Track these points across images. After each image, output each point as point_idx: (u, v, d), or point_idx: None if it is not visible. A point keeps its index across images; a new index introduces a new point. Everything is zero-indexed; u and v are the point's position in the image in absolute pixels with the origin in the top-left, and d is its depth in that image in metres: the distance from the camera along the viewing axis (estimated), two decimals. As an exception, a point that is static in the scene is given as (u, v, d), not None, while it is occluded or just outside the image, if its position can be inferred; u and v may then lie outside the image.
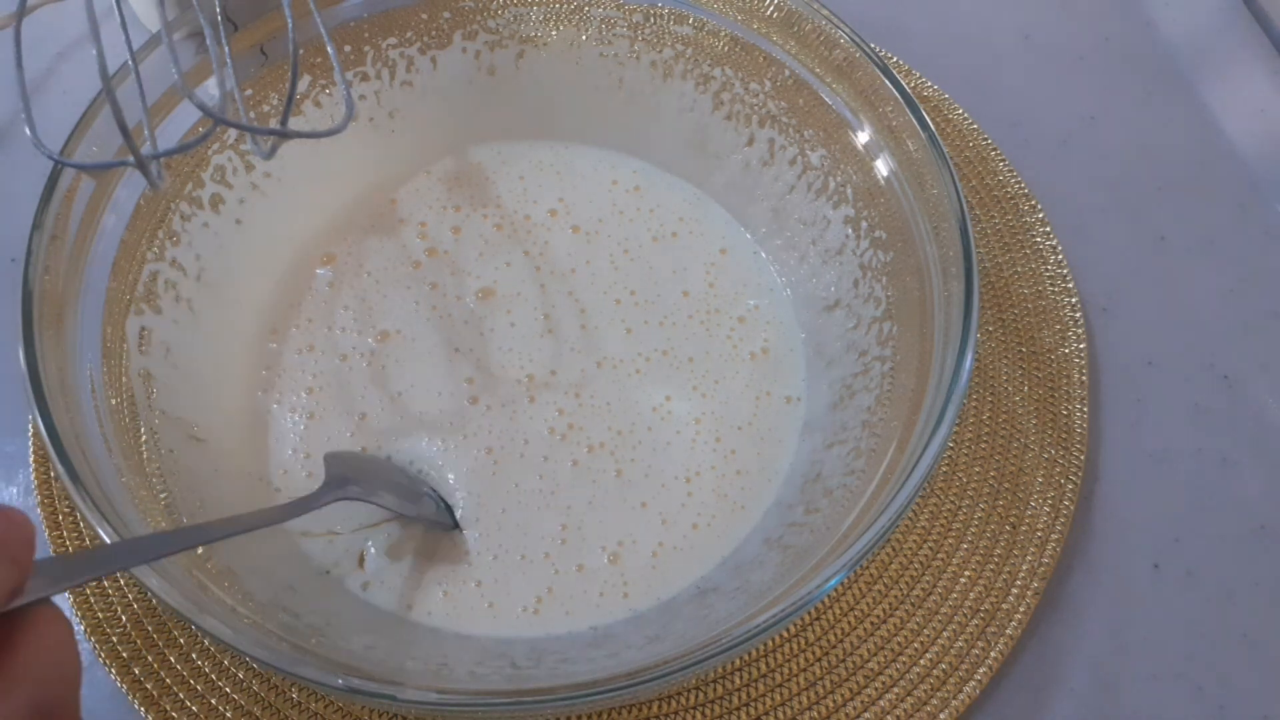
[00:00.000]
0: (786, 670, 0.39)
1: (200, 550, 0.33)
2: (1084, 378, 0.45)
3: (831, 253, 0.43)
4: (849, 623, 0.40)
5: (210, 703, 0.37)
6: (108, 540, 0.29)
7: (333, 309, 0.44)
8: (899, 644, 0.39)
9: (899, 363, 0.38)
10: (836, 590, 0.40)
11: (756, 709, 0.38)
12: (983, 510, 0.42)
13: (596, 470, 0.41)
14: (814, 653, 0.39)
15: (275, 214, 0.44)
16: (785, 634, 0.40)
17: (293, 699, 0.38)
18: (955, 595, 0.40)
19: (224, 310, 0.42)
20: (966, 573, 0.41)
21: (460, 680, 0.34)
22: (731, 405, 0.43)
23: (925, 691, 0.38)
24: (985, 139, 0.51)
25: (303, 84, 0.42)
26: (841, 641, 0.39)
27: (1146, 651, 0.40)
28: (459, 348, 0.44)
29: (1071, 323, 0.46)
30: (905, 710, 0.38)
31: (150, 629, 0.38)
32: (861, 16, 0.42)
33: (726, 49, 0.43)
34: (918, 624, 0.40)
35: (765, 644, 0.39)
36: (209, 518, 0.36)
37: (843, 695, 0.38)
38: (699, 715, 0.38)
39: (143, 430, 0.36)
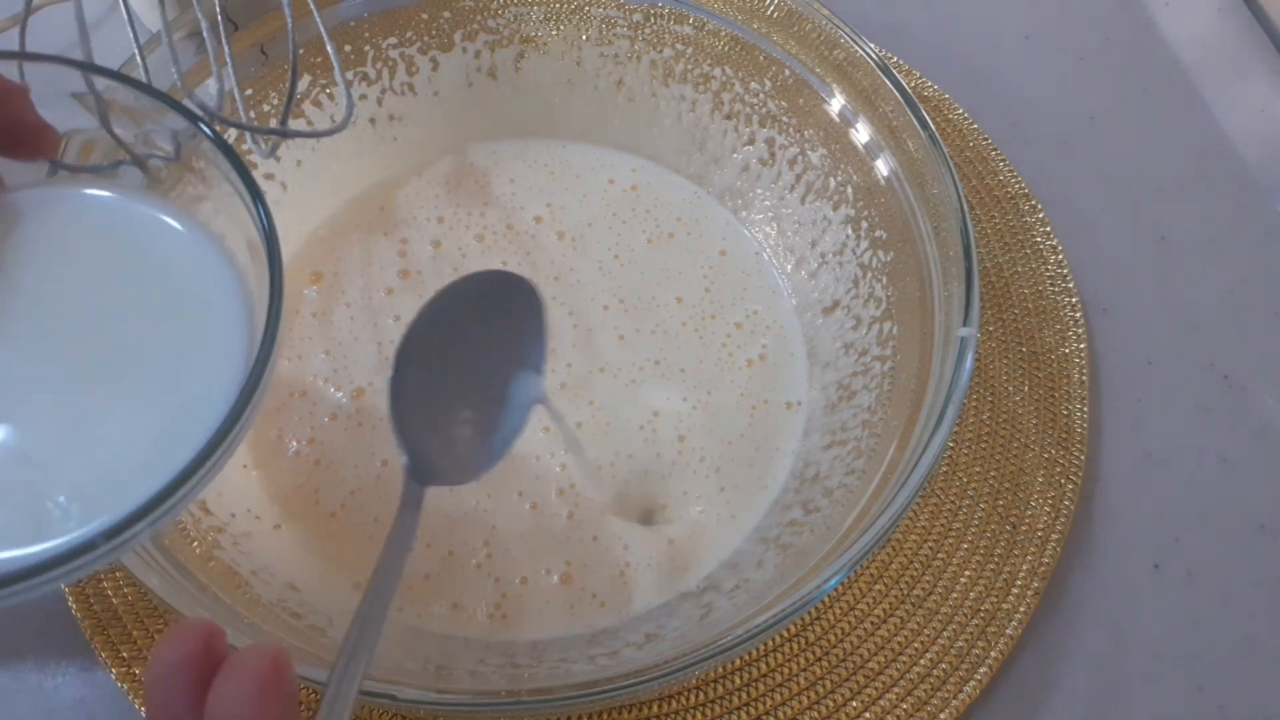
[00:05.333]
0: (786, 670, 0.39)
1: (198, 550, 0.33)
2: (1084, 378, 0.45)
3: (831, 253, 0.43)
4: (849, 623, 0.40)
5: (210, 703, 0.37)
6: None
7: (319, 325, 0.44)
8: (899, 644, 0.39)
9: (899, 363, 0.38)
10: (836, 590, 0.40)
11: (756, 709, 0.38)
12: (983, 510, 0.42)
13: (550, 513, 0.40)
14: (814, 653, 0.39)
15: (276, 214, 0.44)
16: (785, 634, 0.40)
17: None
18: (955, 595, 0.40)
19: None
20: (966, 573, 0.41)
21: (460, 680, 0.34)
22: (722, 419, 0.42)
23: (925, 691, 0.38)
24: (985, 139, 0.51)
25: (303, 84, 0.42)
26: (841, 641, 0.39)
27: (1146, 651, 0.40)
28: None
29: (1071, 323, 0.46)
30: (905, 710, 0.38)
31: (151, 629, 0.38)
32: (861, 16, 0.42)
33: (726, 49, 0.43)
34: (918, 624, 0.40)
35: (765, 644, 0.39)
36: (216, 511, 0.36)
37: (843, 695, 0.38)
38: (699, 715, 0.38)
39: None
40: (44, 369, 0.25)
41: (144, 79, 0.33)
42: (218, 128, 0.27)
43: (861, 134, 0.40)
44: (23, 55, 0.26)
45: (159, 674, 0.21)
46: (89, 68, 0.26)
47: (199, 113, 0.28)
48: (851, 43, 0.40)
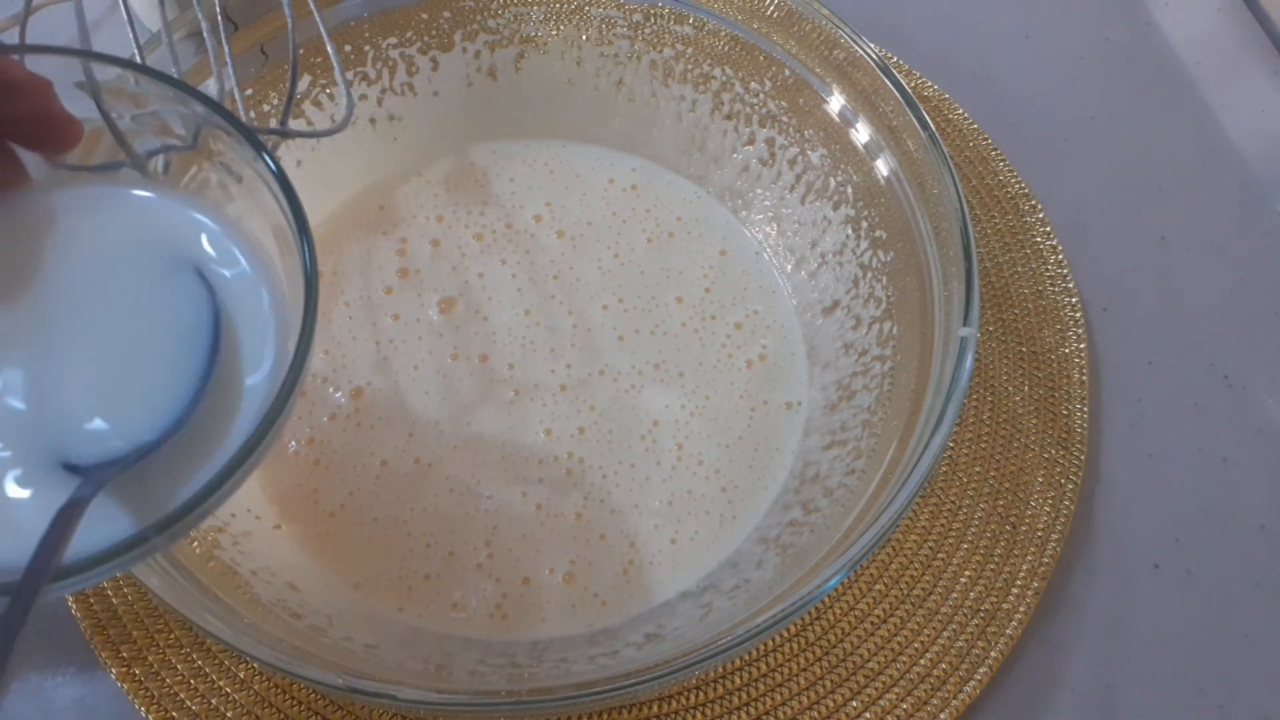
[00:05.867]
0: (786, 670, 0.39)
1: (198, 550, 0.33)
2: (1084, 378, 0.45)
3: (831, 253, 0.43)
4: (849, 623, 0.40)
5: (211, 703, 0.37)
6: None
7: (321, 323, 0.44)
8: (899, 644, 0.39)
9: (899, 363, 0.38)
10: (836, 590, 0.40)
11: (756, 709, 0.38)
12: (983, 510, 0.42)
13: (556, 513, 0.40)
14: (814, 653, 0.39)
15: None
16: (785, 634, 0.40)
17: (295, 698, 0.38)
18: (955, 595, 0.40)
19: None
20: (966, 573, 0.41)
21: (460, 680, 0.34)
22: (722, 421, 0.42)
23: (925, 691, 0.38)
24: (985, 139, 0.51)
25: (303, 84, 0.42)
26: (841, 641, 0.39)
27: (1146, 651, 0.40)
28: (418, 365, 0.43)
29: (1071, 323, 0.46)
30: (905, 710, 0.38)
31: (151, 629, 0.38)
32: (861, 16, 0.42)
33: (726, 49, 0.44)
34: (918, 624, 0.40)
35: (765, 644, 0.39)
36: (216, 511, 0.36)
37: (843, 695, 0.38)
38: (699, 715, 0.38)
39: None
40: (74, 370, 0.25)
41: None
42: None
43: (861, 134, 0.40)
44: (34, 47, 0.26)
45: None
46: (97, 57, 0.26)
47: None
48: (851, 43, 0.40)
